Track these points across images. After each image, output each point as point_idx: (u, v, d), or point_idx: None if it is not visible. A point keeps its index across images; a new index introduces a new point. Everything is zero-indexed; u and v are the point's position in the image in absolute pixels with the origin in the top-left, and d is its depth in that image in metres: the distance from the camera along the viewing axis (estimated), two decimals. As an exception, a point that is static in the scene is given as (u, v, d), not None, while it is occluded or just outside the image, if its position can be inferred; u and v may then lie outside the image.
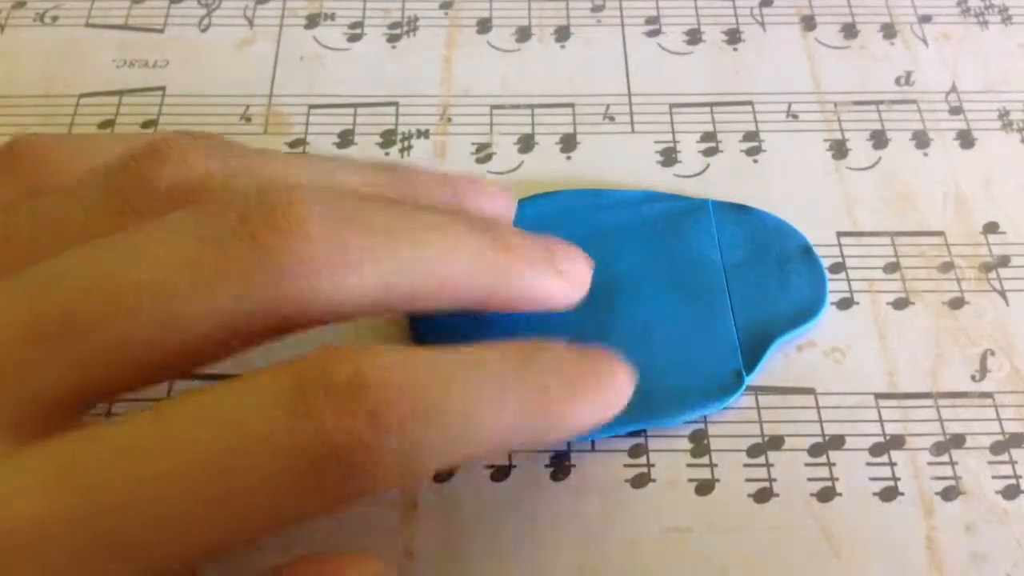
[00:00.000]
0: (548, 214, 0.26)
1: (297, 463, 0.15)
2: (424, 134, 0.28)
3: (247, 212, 0.17)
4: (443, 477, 0.22)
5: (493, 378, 0.17)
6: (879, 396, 0.23)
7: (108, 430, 0.16)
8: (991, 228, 0.26)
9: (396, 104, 0.29)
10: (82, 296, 0.16)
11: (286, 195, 0.17)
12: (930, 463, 0.22)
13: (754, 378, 0.23)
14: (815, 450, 0.23)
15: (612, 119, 0.29)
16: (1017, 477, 0.22)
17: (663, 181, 0.27)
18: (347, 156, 0.25)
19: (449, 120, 0.29)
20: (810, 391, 0.24)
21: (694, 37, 0.31)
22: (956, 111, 0.29)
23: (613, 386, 0.20)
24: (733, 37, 0.31)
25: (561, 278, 0.21)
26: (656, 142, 0.28)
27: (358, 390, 0.16)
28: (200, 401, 0.16)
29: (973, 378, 0.24)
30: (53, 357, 0.16)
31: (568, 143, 0.28)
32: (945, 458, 0.23)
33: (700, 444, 0.23)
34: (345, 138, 0.28)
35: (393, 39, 0.31)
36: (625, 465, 0.22)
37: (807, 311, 0.24)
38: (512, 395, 0.17)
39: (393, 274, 0.18)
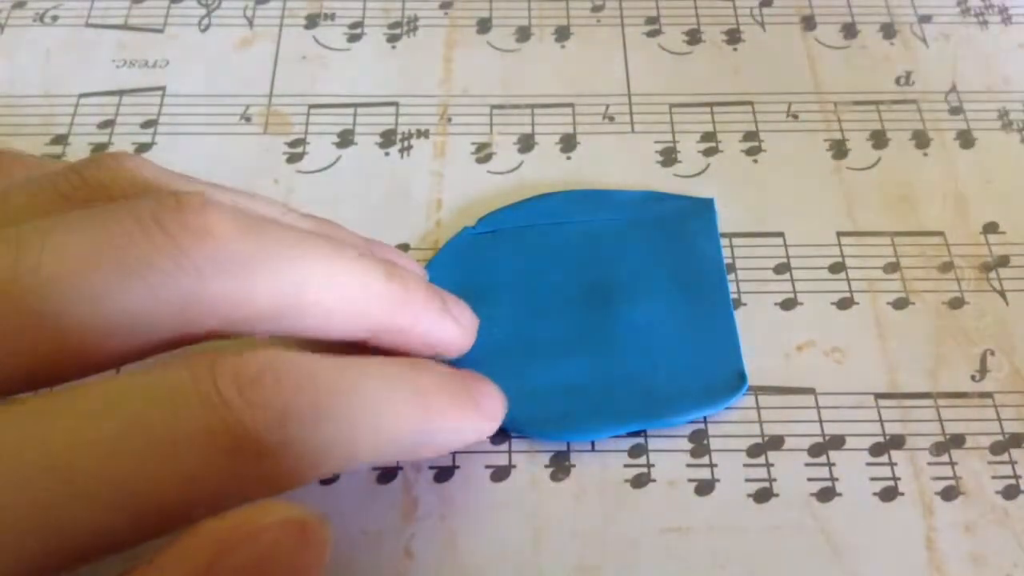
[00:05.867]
0: (548, 214, 0.26)
1: (208, 453, 0.15)
2: (424, 134, 0.28)
3: (159, 210, 0.17)
4: (443, 477, 0.22)
5: (388, 382, 0.18)
6: (879, 396, 0.23)
7: (15, 412, 0.15)
8: (991, 228, 0.26)
9: (396, 104, 0.29)
10: None
11: (199, 198, 0.17)
12: (930, 463, 0.22)
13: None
14: (815, 450, 0.23)
15: (612, 119, 0.29)
16: (1017, 477, 0.22)
17: (663, 181, 0.27)
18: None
19: (449, 120, 0.29)
20: (810, 391, 0.24)
21: (694, 37, 0.31)
22: (956, 111, 0.29)
23: (490, 403, 0.21)
24: (733, 37, 0.31)
25: (455, 323, 0.21)
26: (656, 142, 0.28)
27: (271, 383, 0.16)
28: (112, 388, 0.16)
29: (973, 378, 0.24)
30: None
31: (568, 143, 0.28)
32: (945, 458, 0.23)
33: (700, 444, 0.23)
34: (345, 138, 0.28)
35: (393, 39, 0.31)
36: (625, 465, 0.22)
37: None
38: (405, 400, 0.18)
39: (295, 286, 0.18)
